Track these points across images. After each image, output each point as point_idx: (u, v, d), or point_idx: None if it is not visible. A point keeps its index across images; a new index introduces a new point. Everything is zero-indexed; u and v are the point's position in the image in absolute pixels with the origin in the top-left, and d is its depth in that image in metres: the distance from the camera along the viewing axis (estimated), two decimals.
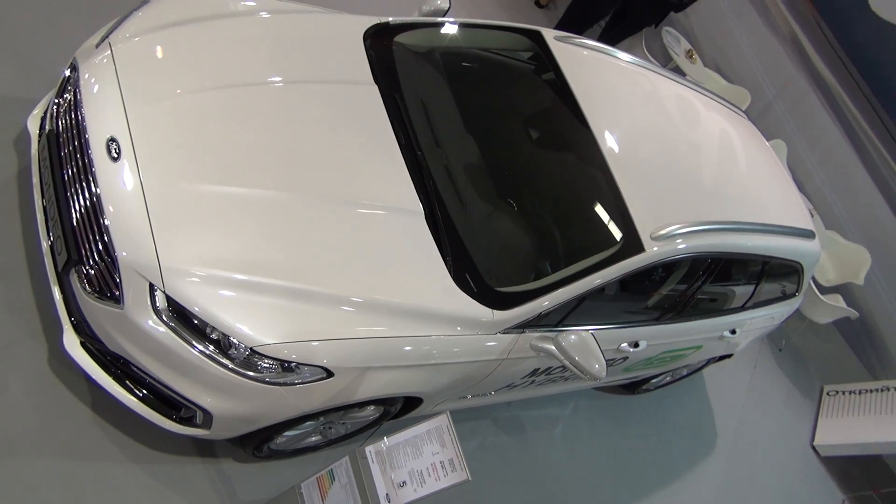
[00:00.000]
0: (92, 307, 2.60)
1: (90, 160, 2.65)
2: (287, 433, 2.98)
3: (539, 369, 3.47)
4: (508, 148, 3.72)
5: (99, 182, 2.60)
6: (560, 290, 3.09)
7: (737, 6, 7.94)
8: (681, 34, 7.77)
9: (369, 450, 2.62)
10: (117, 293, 2.52)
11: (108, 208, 2.56)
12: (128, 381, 2.71)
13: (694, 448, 5.29)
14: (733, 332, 4.39)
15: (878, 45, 6.80)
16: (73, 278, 2.67)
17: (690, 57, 7.58)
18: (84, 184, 2.67)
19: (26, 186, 3.23)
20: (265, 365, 2.55)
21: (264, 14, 3.38)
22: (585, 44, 4.15)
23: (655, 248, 3.26)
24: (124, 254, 2.50)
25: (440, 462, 2.59)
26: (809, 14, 7.38)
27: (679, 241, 3.35)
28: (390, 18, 3.67)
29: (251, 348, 2.49)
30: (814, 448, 6.14)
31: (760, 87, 7.71)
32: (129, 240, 2.51)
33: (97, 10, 3.95)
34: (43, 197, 2.91)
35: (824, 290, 6.44)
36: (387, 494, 2.61)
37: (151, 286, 2.48)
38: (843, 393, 6.55)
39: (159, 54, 2.98)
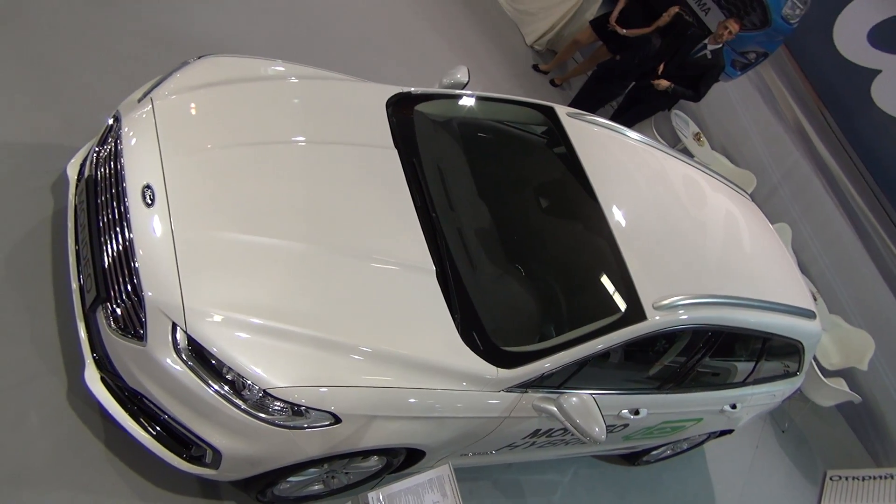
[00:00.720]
0: (115, 343, 2.72)
1: (126, 206, 2.82)
2: (291, 479, 3.03)
3: (540, 430, 3.53)
4: (519, 215, 3.88)
5: (133, 226, 2.76)
6: (563, 353, 3.18)
7: (744, 94, 8.22)
8: (689, 117, 8.01)
9: (372, 496, 2.68)
10: (141, 331, 2.64)
11: (139, 251, 2.71)
12: (142, 419, 2.81)
13: None
14: (734, 406, 4.43)
15: (881, 135, 7.02)
16: (99, 316, 2.79)
17: (698, 139, 7.78)
18: (119, 228, 2.83)
19: (59, 227, 3.40)
20: (276, 407, 2.64)
21: (293, 79, 3.62)
22: (596, 121, 4.36)
23: (657, 318, 3.36)
24: (150, 293, 2.63)
25: None
26: (814, 105, 7.65)
27: (681, 311, 3.45)
28: (412, 88, 3.89)
29: (264, 390, 2.59)
30: None
31: (766, 172, 7.90)
32: (156, 281, 2.65)
33: (136, 71, 4.21)
34: (77, 239, 3.07)
35: (828, 374, 6.44)
36: None
37: (174, 325, 2.60)
38: (847, 479, 6.47)
39: (195, 111, 3.20)
